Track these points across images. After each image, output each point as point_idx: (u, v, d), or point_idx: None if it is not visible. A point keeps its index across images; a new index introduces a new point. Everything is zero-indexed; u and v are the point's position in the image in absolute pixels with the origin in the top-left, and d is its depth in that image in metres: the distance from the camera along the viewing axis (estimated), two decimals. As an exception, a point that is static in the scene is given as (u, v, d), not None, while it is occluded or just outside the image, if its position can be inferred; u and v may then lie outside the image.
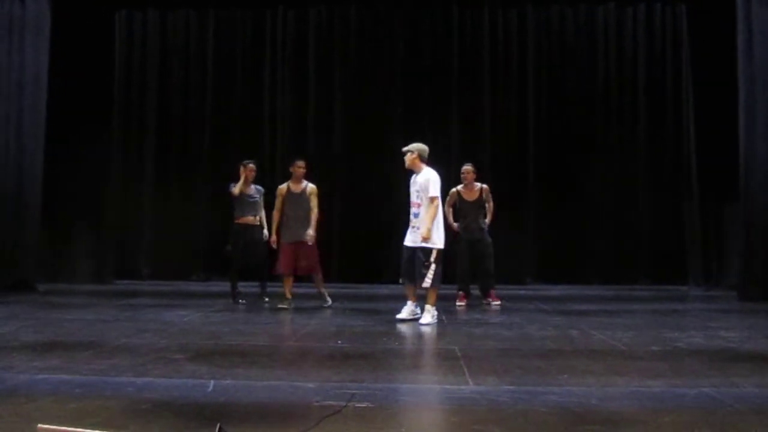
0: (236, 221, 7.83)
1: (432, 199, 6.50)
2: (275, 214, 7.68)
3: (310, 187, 7.66)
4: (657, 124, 10.61)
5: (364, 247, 10.37)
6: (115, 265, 10.40)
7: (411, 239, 6.64)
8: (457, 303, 7.83)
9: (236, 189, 7.70)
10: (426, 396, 3.90)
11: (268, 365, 4.75)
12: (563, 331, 6.08)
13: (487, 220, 7.98)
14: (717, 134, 9.39)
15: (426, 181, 6.57)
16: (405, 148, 6.79)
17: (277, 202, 7.68)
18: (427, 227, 6.40)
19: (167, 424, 3.21)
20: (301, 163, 7.70)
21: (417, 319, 6.54)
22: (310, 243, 7.48)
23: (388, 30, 10.80)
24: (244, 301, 7.85)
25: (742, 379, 4.20)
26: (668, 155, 10.55)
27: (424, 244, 6.46)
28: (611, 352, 5.12)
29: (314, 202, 7.58)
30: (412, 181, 6.76)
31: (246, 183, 7.76)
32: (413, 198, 6.68)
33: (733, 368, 4.53)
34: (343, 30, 10.87)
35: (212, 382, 4.00)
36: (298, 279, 7.91)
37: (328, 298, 7.72)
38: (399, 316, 6.65)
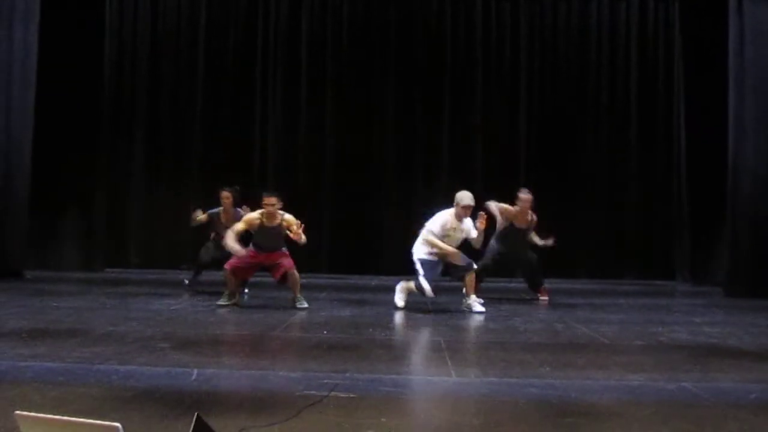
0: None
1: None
2: (230, 235, 6.68)
3: (287, 218, 6.71)
4: (648, 120, 10.67)
5: (354, 238, 10.39)
6: (105, 253, 10.39)
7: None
8: None
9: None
10: (408, 387, 3.93)
11: (253, 354, 4.78)
12: (548, 325, 6.14)
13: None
14: (707, 131, 9.45)
15: (470, 228, 6.86)
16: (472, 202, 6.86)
17: (240, 227, 6.73)
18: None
19: (148, 412, 3.22)
20: (271, 200, 6.65)
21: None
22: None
23: (380, 22, 10.79)
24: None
25: (721, 374, 4.26)
26: (658, 152, 10.63)
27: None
28: (594, 345, 5.17)
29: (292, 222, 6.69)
30: (456, 226, 6.79)
31: (227, 212, 7.72)
32: (457, 243, 6.85)
33: (713, 363, 4.58)
34: (335, 21, 10.84)
35: (195, 371, 4.02)
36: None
37: (304, 301, 6.80)
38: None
